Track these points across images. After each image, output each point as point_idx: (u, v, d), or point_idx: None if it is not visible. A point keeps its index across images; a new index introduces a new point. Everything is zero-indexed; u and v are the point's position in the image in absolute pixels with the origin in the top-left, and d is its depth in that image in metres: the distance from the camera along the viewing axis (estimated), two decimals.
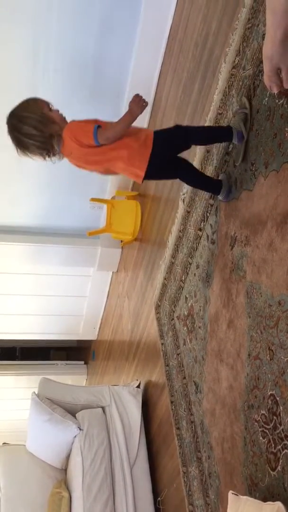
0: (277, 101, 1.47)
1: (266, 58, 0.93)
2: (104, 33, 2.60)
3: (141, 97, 1.73)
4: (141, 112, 1.72)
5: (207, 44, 2.12)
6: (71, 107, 1.90)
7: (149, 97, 2.89)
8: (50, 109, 1.76)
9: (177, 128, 1.80)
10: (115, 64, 2.74)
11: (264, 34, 1.43)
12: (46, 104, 1.77)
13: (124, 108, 2.93)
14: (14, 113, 1.74)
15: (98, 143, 1.70)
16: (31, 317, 4.09)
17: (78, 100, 2.80)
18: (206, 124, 2.04)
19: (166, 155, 1.77)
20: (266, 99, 1.55)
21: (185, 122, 2.39)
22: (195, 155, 2.18)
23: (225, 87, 1.87)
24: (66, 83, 2.77)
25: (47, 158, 1.79)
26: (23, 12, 2.45)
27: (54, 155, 1.79)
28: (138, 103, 1.72)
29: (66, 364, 4.83)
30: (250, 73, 1.67)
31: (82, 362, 4.86)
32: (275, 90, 1.00)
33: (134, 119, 1.71)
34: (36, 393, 2.70)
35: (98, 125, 1.71)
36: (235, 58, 1.79)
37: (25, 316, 4.05)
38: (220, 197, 1.83)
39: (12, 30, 2.51)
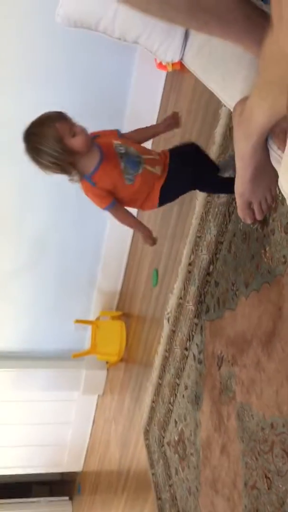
0: (251, 225, 1.57)
1: (238, 195, 1.03)
2: None
3: (152, 240, 1.73)
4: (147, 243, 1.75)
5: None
6: None
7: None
8: (73, 133, 1.49)
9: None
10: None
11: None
12: (68, 126, 1.49)
13: (105, 235, 3.11)
14: (30, 141, 1.50)
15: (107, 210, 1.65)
16: (11, 449, 3.83)
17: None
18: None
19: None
20: (241, 224, 1.65)
21: (166, 245, 2.50)
22: (177, 275, 2.25)
23: (202, 213, 1.99)
24: None
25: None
26: None
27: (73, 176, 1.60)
28: (147, 239, 1.72)
29: (49, 501, 4.44)
30: (225, 201, 1.79)
31: (67, 498, 4.48)
32: (248, 221, 1.08)
33: (140, 233, 1.74)
34: None
35: (114, 203, 1.61)
36: None
37: (3, 449, 3.80)
38: None
39: None
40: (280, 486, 1.34)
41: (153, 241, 1.72)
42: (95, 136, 1.60)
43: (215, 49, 1.06)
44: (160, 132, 1.73)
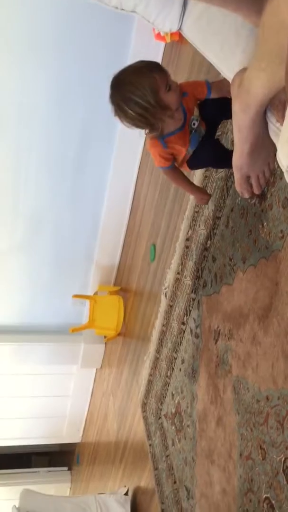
0: (249, 200, 1.56)
1: (236, 168, 1.02)
2: (84, 142, 2.78)
3: (207, 199, 1.73)
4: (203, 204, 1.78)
5: None
6: None
7: (127, 196, 3.05)
8: (169, 87, 1.38)
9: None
10: (95, 167, 2.90)
11: (232, 141, 1.55)
12: (165, 78, 1.38)
13: (103, 209, 3.09)
14: (121, 90, 1.39)
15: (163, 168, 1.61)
16: (11, 421, 3.90)
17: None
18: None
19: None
20: (239, 198, 1.64)
21: (164, 220, 2.49)
22: (175, 250, 2.25)
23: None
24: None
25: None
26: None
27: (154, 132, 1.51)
28: (202, 201, 1.74)
29: (49, 471, 4.54)
30: (223, 175, 1.78)
31: (66, 468, 4.58)
32: (246, 196, 1.07)
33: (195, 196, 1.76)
34: (17, 506, 2.51)
35: (173, 166, 1.59)
36: None
37: (4, 420, 3.86)
38: None
39: None
40: (275, 456, 1.37)
41: (207, 199, 1.72)
42: (184, 94, 1.49)
43: (214, 19, 1.03)
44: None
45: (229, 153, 1.30)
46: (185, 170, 1.65)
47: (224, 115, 1.55)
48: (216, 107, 1.55)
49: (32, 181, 2.89)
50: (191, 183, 1.73)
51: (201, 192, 1.73)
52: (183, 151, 1.55)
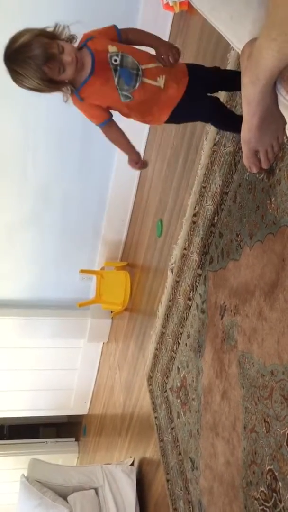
0: (257, 175, 1.54)
1: (244, 142, 1.00)
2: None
3: (139, 165, 1.63)
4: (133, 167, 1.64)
5: (189, 123, 2.24)
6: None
7: (134, 172, 3.03)
8: (63, 68, 1.37)
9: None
10: (102, 142, 2.87)
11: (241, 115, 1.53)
12: (56, 65, 1.35)
13: (110, 185, 3.08)
14: (13, 76, 1.38)
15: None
16: (20, 393, 3.97)
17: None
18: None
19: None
20: (247, 173, 1.62)
21: (171, 196, 2.47)
22: (181, 226, 2.24)
23: (208, 163, 1.96)
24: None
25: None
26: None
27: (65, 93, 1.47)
28: (133, 164, 1.63)
29: (56, 442, 4.64)
30: (231, 150, 1.76)
31: (73, 439, 4.68)
32: (254, 170, 1.06)
33: (128, 156, 1.61)
34: (26, 475, 2.58)
35: (107, 121, 1.51)
36: (216, 136, 1.89)
37: (13, 392, 3.94)
38: None
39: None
40: (279, 430, 1.39)
41: (139, 165, 1.62)
42: (89, 38, 1.44)
43: None
44: (155, 49, 1.49)
45: (232, 116, 1.26)
46: (152, 124, 1.56)
47: (222, 86, 1.55)
48: (212, 77, 1.54)
49: (40, 156, 2.87)
50: (129, 143, 1.59)
51: (136, 155, 1.60)
52: (112, 95, 1.44)
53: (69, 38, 1.42)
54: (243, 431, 1.59)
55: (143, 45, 1.50)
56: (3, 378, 3.85)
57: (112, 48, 1.42)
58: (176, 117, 1.54)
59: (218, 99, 1.58)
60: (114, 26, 1.48)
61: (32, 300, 3.51)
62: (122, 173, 3.03)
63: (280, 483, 1.37)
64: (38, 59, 1.33)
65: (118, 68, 1.41)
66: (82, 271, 3.32)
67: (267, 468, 1.44)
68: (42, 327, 3.53)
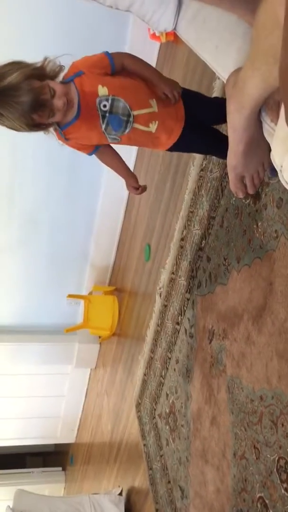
0: (244, 200, 1.56)
1: (231, 168, 1.02)
2: None
3: (137, 190, 1.53)
4: (131, 192, 1.56)
5: None
6: None
7: (123, 195, 3.05)
8: (53, 113, 1.28)
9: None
10: (89, 167, 2.89)
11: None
12: (46, 112, 1.27)
13: (97, 210, 3.09)
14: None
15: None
16: (5, 421, 3.89)
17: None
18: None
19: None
20: (234, 198, 1.64)
21: (158, 220, 2.49)
22: (169, 251, 2.25)
23: (195, 188, 1.98)
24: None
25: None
26: None
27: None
28: (131, 189, 1.54)
29: (43, 471, 4.53)
30: (217, 175, 1.78)
31: (60, 468, 4.57)
32: (241, 196, 1.07)
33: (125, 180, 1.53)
34: (11, 506, 2.50)
35: (97, 148, 1.44)
36: (203, 162, 1.91)
37: None
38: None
39: None
40: (268, 456, 1.37)
41: (138, 190, 1.53)
42: (77, 74, 1.32)
43: (209, 18, 1.03)
44: (154, 84, 1.38)
45: (222, 141, 1.21)
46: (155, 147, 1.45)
47: (215, 120, 1.47)
48: (207, 111, 1.46)
49: (28, 181, 2.88)
50: (125, 167, 1.53)
51: (134, 179, 1.52)
52: (99, 138, 1.36)
53: (57, 71, 1.32)
54: (233, 457, 1.57)
55: (140, 77, 1.39)
56: None
57: (102, 90, 1.31)
58: (173, 150, 1.48)
59: (216, 133, 1.50)
60: (107, 55, 1.34)
61: (18, 325, 3.47)
62: (109, 197, 3.05)
63: (271, 511, 1.35)
64: (28, 106, 1.22)
65: (107, 115, 1.32)
66: (70, 296, 3.30)
67: (258, 496, 1.42)
68: (28, 353, 3.48)
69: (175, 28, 1.15)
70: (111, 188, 2.99)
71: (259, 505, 1.41)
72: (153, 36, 2.39)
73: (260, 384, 1.43)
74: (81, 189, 3.01)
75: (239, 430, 1.54)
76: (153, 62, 2.58)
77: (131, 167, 2.91)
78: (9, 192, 2.92)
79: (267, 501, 1.37)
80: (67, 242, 3.25)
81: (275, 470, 1.34)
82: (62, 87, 1.29)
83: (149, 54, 2.53)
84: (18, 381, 3.73)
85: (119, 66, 1.36)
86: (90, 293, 3.39)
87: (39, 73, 1.26)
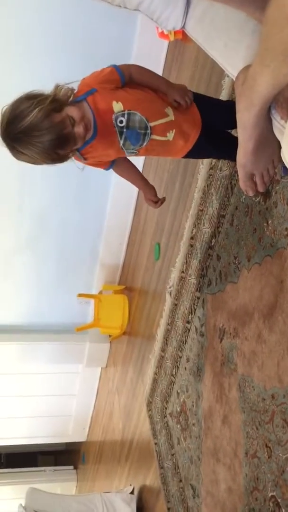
0: (254, 198, 1.56)
1: (240, 166, 1.02)
2: None
3: (155, 202, 1.53)
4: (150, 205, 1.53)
5: None
6: None
7: (132, 194, 3.05)
8: (73, 122, 1.24)
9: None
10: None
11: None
12: (69, 150, 1.27)
13: (107, 209, 3.10)
14: (16, 143, 1.23)
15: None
16: (18, 420, 3.91)
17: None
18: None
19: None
20: (244, 196, 1.63)
21: (168, 219, 2.49)
22: (179, 249, 2.25)
23: (204, 186, 1.98)
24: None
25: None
26: None
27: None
28: (149, 202, 1.55)
29: (55, 470, 4.55)
30: (227, 174, 1.78)
31: (72, 467, 4.59)
32: (250, 194, 1.07)
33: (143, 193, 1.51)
34: (23, 505, 2.52)
35: (113, 163, 1.44)
36: (212, 160, 1.91)
37: (10, 420, 3.87)
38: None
39: None
40: (280, 455, 1.37)
41: (157, 204, 1.52)
42: (89, 92, 1.30)
43: (218, 16, 1.03)
44: (164, 93, 1.37)
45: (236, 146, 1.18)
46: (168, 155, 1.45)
47: (229, 125, 1.45)
48: (221, 115, 1.43)
49: (38, 181, 2.89)
50: (143, 179, 1.53)
51: (152, 192, 1.50)
52: (117, 153, 1.36)
53: (70, 95, 1.29)
54: (245, 456, 1.57)
55: (150, 88, 1.38)
56: None
57: (117, 106, 1.30)
58: (188, 156, 1.47)
59: (231, 138, 1.48)
60: (115, 69, 1.33)
61: (29, 325, 3.49)
62: (119, 196, 3.05)
63: (283, 510, 1.35)
64: (52, 143, 1.21)
65: (124, 130, 1.31)
66: (80, 295, 3.30)
67: (270, 495, 1.41)
68: (39, 352, 3.50)
69: (183, 27, 1.14)
70: (120, 187, 2.99)
71: (271, 504, 1.40)
72: (162, 34, 2.39)
73: (272, 383, 1.42)
74: (91, 188, 3.02)
75: (251, 429, 1.53)
76: (161, 61, 2.58)
77: (140, 167, 2.91)
78: (19, 193, 2.93)
79: (279, 500, 1.36)
80: (77, 242, 3.26)
81: (287, 469, 1.33)
82: (78, 111, 1.27)
83: (158, 53, 2.53)
84: (29, 380, 3.75)
85: (127, 78, 1.35)
86: (100, 292, 3.40)
87: (58, 106, 1.24)
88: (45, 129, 1.18)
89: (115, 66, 1.34)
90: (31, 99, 1.21)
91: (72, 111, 1.25)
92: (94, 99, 1.30)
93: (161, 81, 1.40)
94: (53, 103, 1.22)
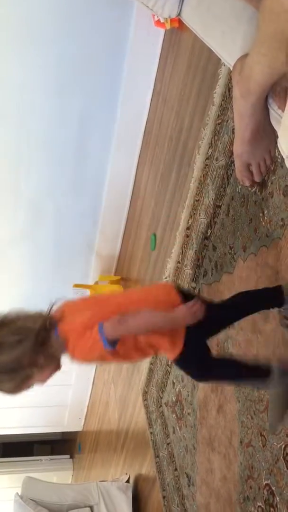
0: (250, 188, 1.55)
1: (237, 156, 1.01)
2: (83, 132, 2.76)
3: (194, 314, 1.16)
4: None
5: (181, 138, 2.26)
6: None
7: (128, 186, 3.04)
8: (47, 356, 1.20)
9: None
10: (95, 157, 2.88)
11: (233, 129, 1.54)
12: (35, 357, 1.17)
13: (103, 200, 3.09)
14: None
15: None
16: (14, 410, 3.92)
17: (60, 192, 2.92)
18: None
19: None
20: (240, 187, 1.63)
21: (164, 209, 2.48)
22: (175, 240, 2.25)
23: (200, 176, 1.97)
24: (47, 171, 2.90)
25: None
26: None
27: None
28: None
29: (51, 459, 4.57)
30: (223, 164, 1.77)
31: (68, 456, 4.62)
32: (247, 183, 1.06)
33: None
34: (20, 494, 2.53)
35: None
36: (208, 150, 1.90)
37: (7, 410, 3.89)
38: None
39: None
40: (275, 444, 1.38)
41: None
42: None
43: (214, 4, 1.02)
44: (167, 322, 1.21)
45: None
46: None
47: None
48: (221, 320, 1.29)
49: (33, 170, 2.87)
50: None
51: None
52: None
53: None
54: (240, 445, 1.58)
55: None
56: None
57: None
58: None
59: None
60: (101, 337, 1.15)
61: None
62: (115, 186, 3.04)
63: (277, 498, 1.36)
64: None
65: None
66: (76, 285, 3.30)
67: (264, 483, 1.43)
68: None
69: (179, 14, 1.13)
70: (116, 177, 2.98)
71: (265, 492, 1.42)
72: (158, 23, 2.36)
73: None
74: (87, 178, 3.00)
75: (246, 418, 1.54)
76: (157, 50, 2.55)
77: (136, 157, 2.90)
78: (14, 183, 2.91)
79: (273, 488, 1.38)
80: (72, 232, 3.25)
81: (281, 457, 1.35)
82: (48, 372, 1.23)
83: (154, 41, 2.51)
84: None
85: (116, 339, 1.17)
86: (96, 283, 3.40)
87: (45, 335, 1.17)
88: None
89: (101, 332, 1.15)
90: (16, 334, 1.14)
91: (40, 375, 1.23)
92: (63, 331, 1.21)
93: (164, 321, 1.19)
94: (41, 335, 1.15)
